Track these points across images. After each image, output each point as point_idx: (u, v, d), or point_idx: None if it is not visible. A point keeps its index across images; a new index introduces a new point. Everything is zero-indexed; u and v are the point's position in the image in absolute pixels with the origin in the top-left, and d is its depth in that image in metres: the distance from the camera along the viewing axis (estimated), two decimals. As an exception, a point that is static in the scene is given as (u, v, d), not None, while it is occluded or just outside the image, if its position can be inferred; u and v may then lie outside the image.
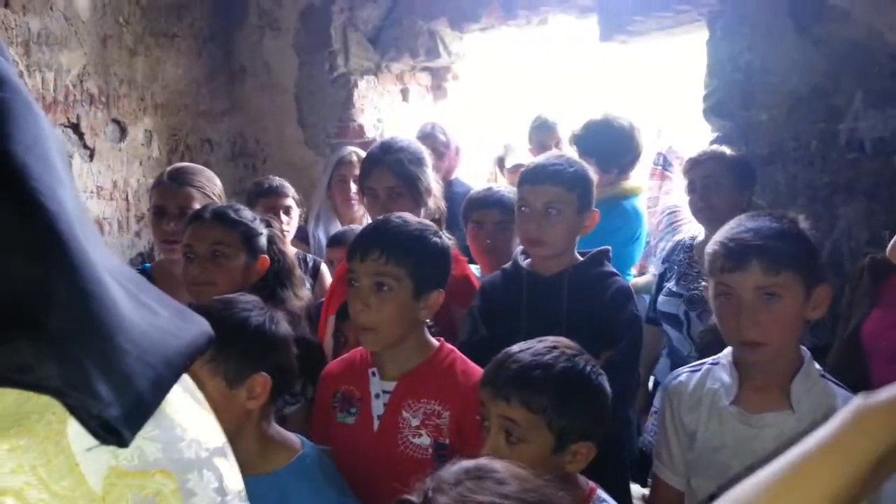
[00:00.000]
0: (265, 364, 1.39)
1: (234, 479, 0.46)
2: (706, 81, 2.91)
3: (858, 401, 0.55)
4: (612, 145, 2.84)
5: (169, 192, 2.21)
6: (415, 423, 1.56)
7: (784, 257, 1.41)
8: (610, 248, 1.96)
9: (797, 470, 0.54)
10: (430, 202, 2.16)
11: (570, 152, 2.74)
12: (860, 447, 0.53)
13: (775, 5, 2.71)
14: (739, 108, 2.83)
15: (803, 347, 1.50)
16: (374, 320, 1.55)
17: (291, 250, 2.20)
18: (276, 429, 1.48)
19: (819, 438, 0.55)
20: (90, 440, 0.38)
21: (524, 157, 3.74)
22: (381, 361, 1.62)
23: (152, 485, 0.40)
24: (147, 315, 0.43)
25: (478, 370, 1.57)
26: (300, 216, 2.99)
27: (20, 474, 0.35)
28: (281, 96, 4.10)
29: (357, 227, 2.72)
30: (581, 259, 1.91)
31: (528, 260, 1.94)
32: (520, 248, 2.00)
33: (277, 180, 2.94)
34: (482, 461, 0.95)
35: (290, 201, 2.89)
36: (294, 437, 1.49)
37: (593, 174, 1.95)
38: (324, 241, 2.99)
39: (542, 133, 3.81)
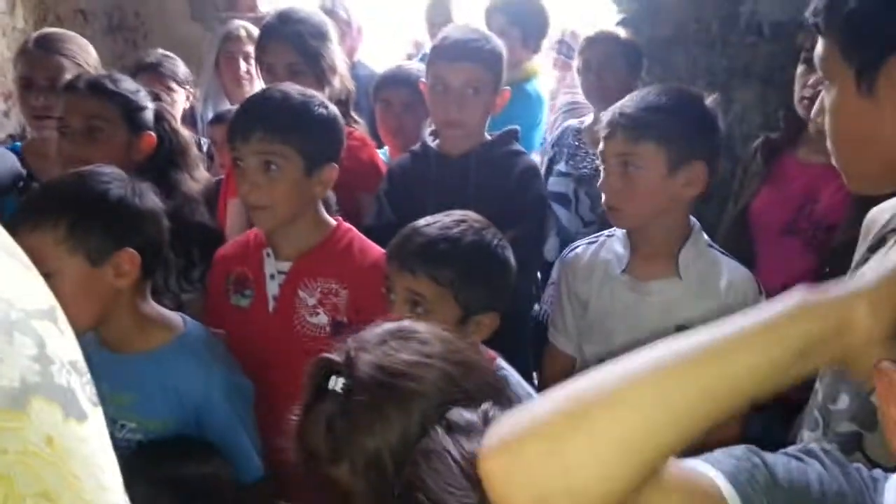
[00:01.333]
0: (131, 239, 1.31)
1: (63, 347, 0.40)
2: (613, -40, 2.84)
3: (801, 292, 0.56)
4: (536, 20, 2.77)
5: (36, 61, 2.01)
6: (311, 302, 1.52)
7: (645, 128, 1.45)
8: (518, 128, 1.93)
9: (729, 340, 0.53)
10: (336, 81, 2.03)
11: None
12: (792, 333, 0.55)
13: None
14: (645, -12, 2.78)
15: (692, 219, 1.56)
16: (266, 199, 1.48)
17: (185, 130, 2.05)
18: (155, 307, 1.41)
19: (755, 317, 0.56)
20: None
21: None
22: (276, 241, 1.56)
23: None
24: None
25: (376, 248, 1.54)
26: (190, 97, 2.80)
27: None
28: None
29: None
30: (489, 138, 1.87)
31: (437, 141, 1.88)
32: (430, 128, 1.93)
33: (162, 53, 2.72)
34: (405, 323, 0.94)
35: (178, 77, 2.69)
36: (176, 316, 1.43)
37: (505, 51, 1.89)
38: (213, 123, 2.82)
39: (442, 8, 3.66)
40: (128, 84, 1.82)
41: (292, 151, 1.47)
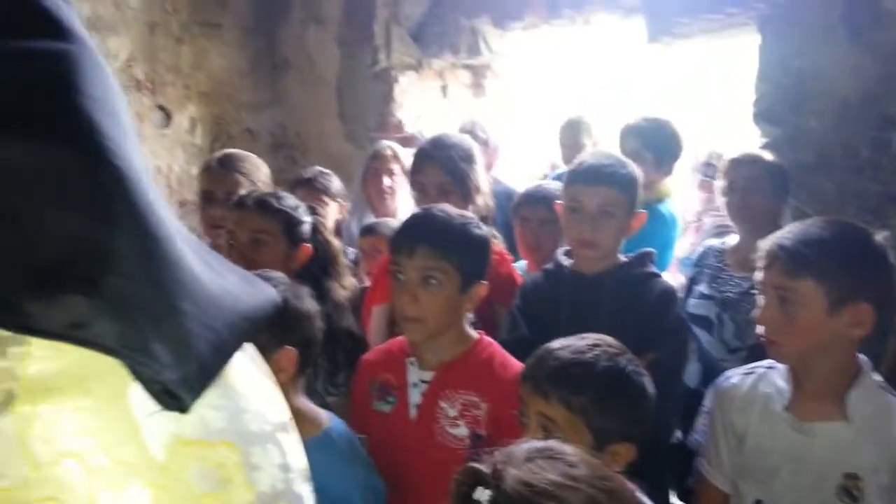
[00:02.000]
0: (290, 338, 1.40)
1: (297, 457, 0.45)
2: (756, 86, 2.86)
3: None
4: (669, 144, 2.82)
5: (217, 178, 2.24)
6: (452, 413, 1.55)
7: (804, 264, 1.38)
8: (654, 250, 1.94)
9: None
10: (479, 199, 2.16)
11: (613, 150, 2.72)
12: None
13: (828, 9, 2.66)
14: (789, 114, 2.78)
15: (861, 356, 1.45)
16: (421, 312, 1.56)
17: (336, 240, 2.21)
18: (305, 402, 1.50)
19: None
20: (152, 405, 0.37)
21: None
22: (420, 351, 1.62)
23: (215, 456, 0.38)
24: (214, 277, 0.41)
25: (517, 364, 1.56)
26: (341, 209, 3.00)
27: (84, 437, 0.34)
28: (322, 89, 4.12)
29: (391, 220, 2.74)
30: (625, 260, 1.89)
31: (571, 260, 1.92)
32: (563, 247, 1.98)
33: (318, 169, 2.96)
34: (552, 443, 0.93)
35: (331, 191, 2.90)
36: (323, 413, 1.50)
37: (640, 174, 1.94)
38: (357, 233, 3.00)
39: (574, 132, 3.78)
40: (289, 201, 1.99)
41: (452, 268, 1.56)
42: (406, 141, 3.58)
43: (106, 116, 0.37)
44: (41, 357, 0.35)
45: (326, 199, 2.88)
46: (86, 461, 0.34)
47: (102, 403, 0.35)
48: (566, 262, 1.92)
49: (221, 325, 0.40)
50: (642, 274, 1.86)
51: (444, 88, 4.21)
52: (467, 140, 2.32)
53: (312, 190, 2.83)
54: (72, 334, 0.34)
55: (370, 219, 3.05)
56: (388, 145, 3.15)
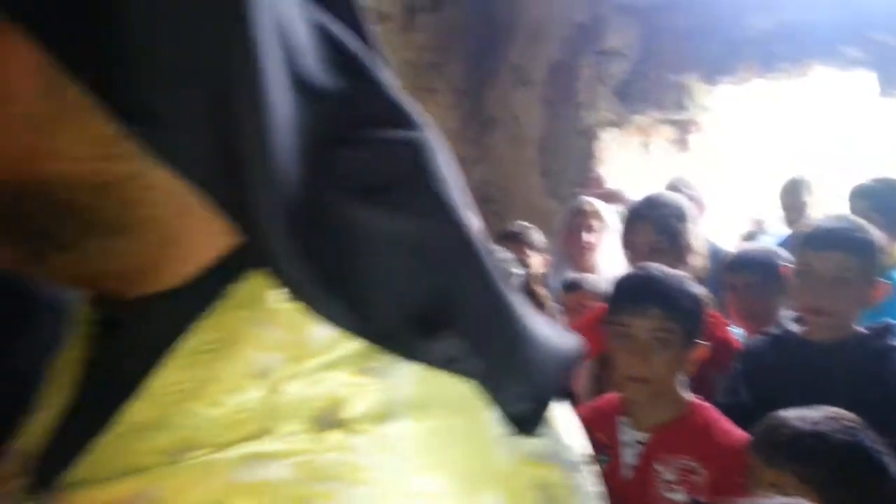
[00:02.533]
0: None
1: (595, 489, 0.50)
2: None
3: None
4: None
5: None
6: (668, 477, 1.53)
7: None
8: (894, 322, 1.81)
9: None
10: (693, 260, 2.13)
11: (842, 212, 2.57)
12: None
13: None
14: None
15: None
16: (646, 372, 1.56)
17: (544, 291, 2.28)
18: None
19: None
20: (502, 428, 0.43)
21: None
22: (635, 411, 1.62)
23: (549, 476, 0.44)
24: (534, 317, 0.46)
25: (738, 431, 1.51)
26: (546, 263, 3.08)
27: (444, 451, 0.41)
28: (526, 146, 4.26)
29: (594, 276, 2.76)
30: (863, 331, 1.79)
31: (800, 326, 1.84)
32: (790, 312, 1.90)
33: (522, 224, 3.07)
34: (800, 500, 0.91)
35: (534, 245, 2.99)
36: None
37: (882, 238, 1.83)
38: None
39: (795, 192, 3.60)
40: (501, 255, 2.09)
41: (679, 329, 1.57)
42: (608, 196, 3.60)
43: (453, 190, 0.45)
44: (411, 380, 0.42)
45: (531, 252, 2.97)
46: (448, 472, 0.41)
47: (463, 424, 0.43)
48: (795, 328, 1.84)
49: (553, 365, 0.45)
50: (885, 347, 1.74)
51: (646, 144, 4.20)
52: (681, 199, 2.31)
53: (517, 243, 2.93)
54: (447, 366, 0.42)
55: (569, 274, 3.09)
56: (589, 201, 3.19)
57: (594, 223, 3.09)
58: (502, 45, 4.30)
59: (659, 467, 1.55)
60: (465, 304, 0.43)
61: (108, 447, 0.44)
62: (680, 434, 1.57)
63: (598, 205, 3.15)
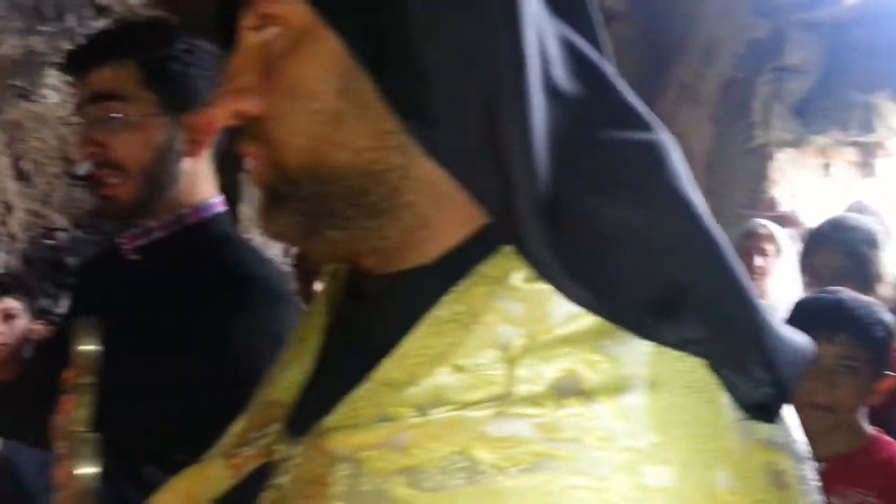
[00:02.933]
0: None
1: (817, 484, 0.51)
2: None
3: None
4: None
5: None
6: (844, 509, 1.47)
7: None
8: None
9: None
10: (882, 289, 2.02)
11: None
12: None
13: None
14: None
15: None
16: (834, 401, 1.52)
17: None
18: None
19: None
20: (738, 412, 0.46)
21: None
22: (812, 439, 1.55)
23: (780, 463, 0.46)
24: (770, 311, 0.49)
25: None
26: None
27: (679, 426, 0.44)
28: (691, 165, 4.15)
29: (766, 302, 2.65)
30: None
31: None
32: None
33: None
34: None
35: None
36: None
37: None
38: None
39: None
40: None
41: (868, 358, 1.52)
42: (781, 220, 3.46)
43: (688, 186, 0.49)
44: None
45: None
46: (674, 451, 0.44)
47: (697, 403, 0.45)
48: None
49: (796, 358, 0.48)
50: None
51: (826, 166, 3.97)
52: (872, 223, 2.19)
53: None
54: (684, 347, 0.46)
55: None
56: (763, 224, 3.08)
57: (768, 247, 2.96)
58: (671, 61, 4.22)
59: (834, 499, 1.48)
60: (704, 290, 0.46)
61: (361, 400, 0.50)
62: (859, 466, 1.51)
63: (773, 228, 3.03)
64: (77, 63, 1.24)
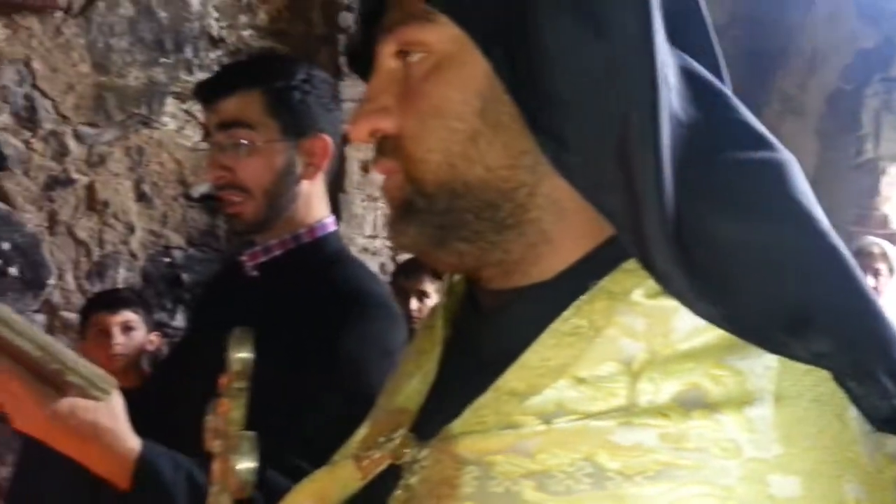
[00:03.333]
0: None
1: None
2: None
3: None
4: None
5: None
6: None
7: None
8: None
9: None
10: None
11: None
12: None
13: None
14: None
15: None
16: None
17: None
18: None
19: None
20: (861, 425, 0.46)
21: None
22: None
23: None
24: None
25: None
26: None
27: (806, 438, 0.45)
28: (796, 181, 4.01)
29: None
30: None
31: None
32: None
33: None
34: None
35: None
36: None
37: None
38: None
39: None
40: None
41: None
42: (892, 238, 3.30)
43: (813, 206, 0.50)
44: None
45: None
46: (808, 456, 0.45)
47: (824, 416, 0.46)
48: None
49: None
50: None
51: (944, 181, 3.76)
52: None
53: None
54: (813, 361, 0.47)
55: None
56: (876, 242, 2.96)
57: (880, 266, 2.85)
58: (774, 73, 4.10)
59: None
60: (832, 304, 0.47)
61: (485, 408, 0.53)
62: None
63: (887, 247, 2.90)
64: (208, 92, 1.33)
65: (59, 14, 2.78)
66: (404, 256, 3.20)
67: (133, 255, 3.04)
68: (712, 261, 0.48)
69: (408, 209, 0.56)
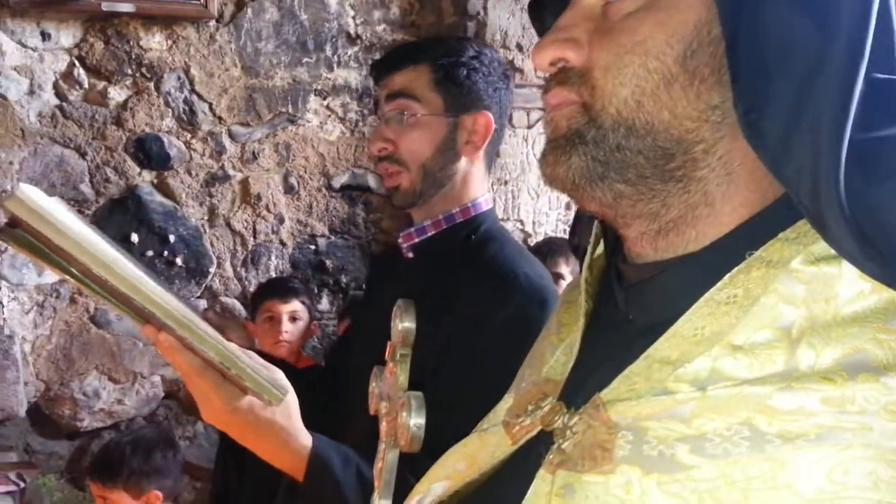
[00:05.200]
0: None
1: None
2: None
3: None
4: None
5: None
6: None
7: None
8: None
9: None
10: None
11: None
12: None
13: None
14: None
15: None
16: None
17: None
18: None
19: None
20: None
21: None
22: None
23: None
24: None
25: None
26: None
27: None
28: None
29: None
30: None
31: None
32: None
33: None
34: None
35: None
36: None
37: None
38: None
39: None
40: None
41: None
42: None
43: None
44: None
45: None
46: None
47: None
48: None
49: None
50: None
51: None
52: None
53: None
54: None
55: None
56: None
57: None
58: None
59: None
60: None
61: (636, 375, 0.54)
62: None
63: None
64: (382, 67, 1.39)
65: (212, 23, 3.00)
66: (538, 240, 3.24)
67: (283, 244, 3.24)
68: (877, 229, 0.47)
69: (574, 139, 0.55)
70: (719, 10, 0.51)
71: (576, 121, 0.56)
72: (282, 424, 1.06)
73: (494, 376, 1.19)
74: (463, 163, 1.36)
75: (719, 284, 0.52)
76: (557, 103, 0.57)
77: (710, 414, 0.49)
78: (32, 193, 0.81)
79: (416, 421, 0.73)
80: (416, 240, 1.40)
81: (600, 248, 0.67)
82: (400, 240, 1.44)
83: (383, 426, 0.82)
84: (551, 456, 0.56)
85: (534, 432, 0.60)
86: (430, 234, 1.39)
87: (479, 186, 1.40)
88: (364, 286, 1.84)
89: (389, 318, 1.41)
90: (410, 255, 1.42)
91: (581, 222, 0.73)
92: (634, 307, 0.60)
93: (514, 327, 1.22)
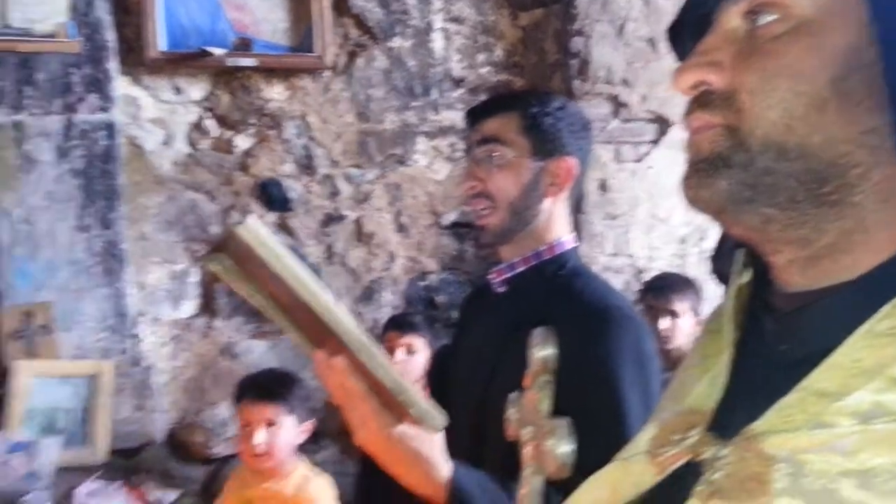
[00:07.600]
0: None
1: None
2: None
3: None
4: None
5: None
6: None
7: None
8: None
9: None
10: None
11: None
12: None
13: None
14: None
15: None
16: None
17: None
18: None
19: None
20: None
21: None
22: None
23: None
24: None
25: None
26: None
27: None
28: None
29: None
30: None
31: None
32: None
33: None
34: None
35: None
36: None
37: None
38: None
39: None
40: None
41: None
42: None
43: None
44: None
45: None
46: None
47: None
48: None
49: None
50: None
51: None
52: None
53: None
54: None
55: None
56: None
57: None
58: None
59: None
60: None
61: (791, 407, 0.51)
62: None
63: None
64: (476, 114, 1.51)
65: (327, 73, 3.20)
66: (649, 275, 3.20)
67: (395, 281, 3.36)
68: None
69: (720, 163, 0.55)
70: (877, 35, 0.49)
71: (720, 144, 0.55)
72: (426, 455, 1.08)
73: (610, 402, 1.21)
74: (547, 203, 1.44)
75: (879, 315, 0.50)
76: (699, 126, 0.57)
77: (875, 448, 0.46)
78: (258, 224, 0.91)
79: (564, 448, 0.75)
80: (508, 275, 1.48)
81: (747, 276, 0.65)
82: (492, 275, 1.51)
83: (527, 452, 0.83)
84: (701, 487, 0.55)
85: (681, 462, 0.59)
86: (519, 269, 1.46)
87: (563, 226, 1.47)
88: (458, 323, 1.90)
89: (484, 351, 1.46)
90: (501, 289, 1.49)
91: (723, 250, 0.71)
92: (787, 336, 0.58)
93: (625, 358, 1.26)
